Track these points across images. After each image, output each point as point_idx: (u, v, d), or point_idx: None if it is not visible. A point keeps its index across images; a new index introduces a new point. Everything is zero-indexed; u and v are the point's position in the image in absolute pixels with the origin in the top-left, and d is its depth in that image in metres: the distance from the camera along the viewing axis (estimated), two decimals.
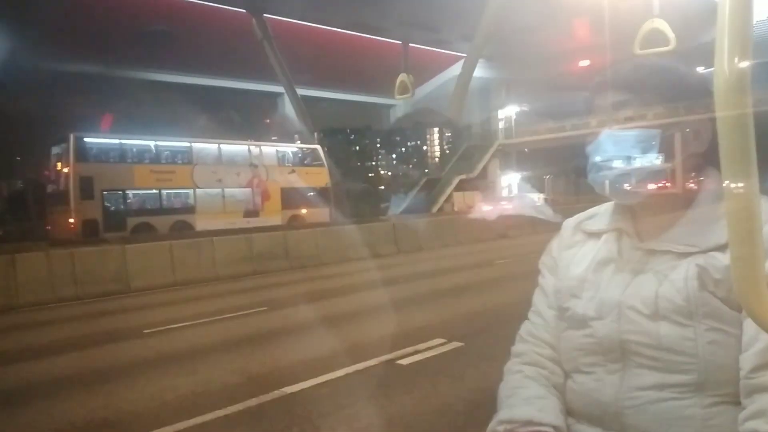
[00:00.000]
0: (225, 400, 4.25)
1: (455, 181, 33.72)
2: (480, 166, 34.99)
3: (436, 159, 43.05)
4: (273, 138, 31.23)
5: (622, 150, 1.01)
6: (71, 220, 19.46)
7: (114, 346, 6.62)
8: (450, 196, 33.23)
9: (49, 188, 21.39)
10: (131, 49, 30.32)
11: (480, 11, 33.68)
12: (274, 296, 9.60)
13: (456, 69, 40.94)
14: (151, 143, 22.51)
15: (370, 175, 43.89)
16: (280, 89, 39.86)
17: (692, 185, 1.04)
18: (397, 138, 47.16)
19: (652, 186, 1.01)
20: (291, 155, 26.85)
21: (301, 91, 39.05)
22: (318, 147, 28.02)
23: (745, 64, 0.66)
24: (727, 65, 0.67)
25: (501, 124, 36.99)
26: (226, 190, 23.46)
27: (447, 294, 8.63)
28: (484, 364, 4.69)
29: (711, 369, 0.95)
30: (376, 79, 42.54)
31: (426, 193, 33.62)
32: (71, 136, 20.08)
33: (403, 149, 47.17)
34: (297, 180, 25.25)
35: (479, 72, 39.10)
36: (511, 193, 36.50)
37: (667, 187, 1.01)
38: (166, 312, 8.72)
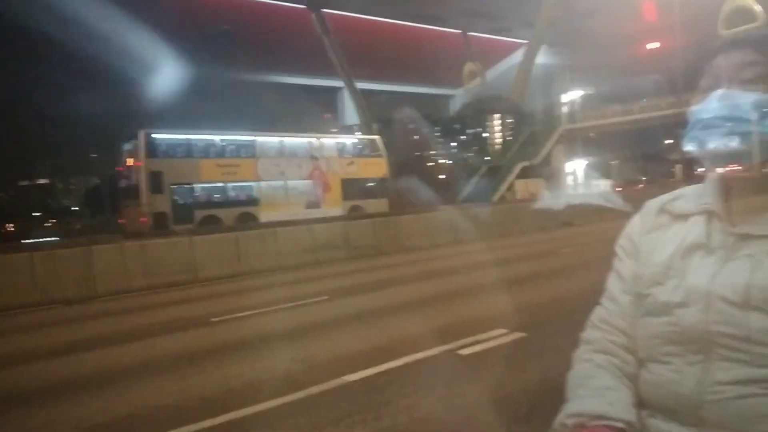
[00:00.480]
0: (288, 387, 4.32)
1: (517, 169, 33.15)
2: (543, 153, 34.28)
3: (498, 146, 42.36)
4: (333, 130, 31.59)
5: (737, 111, 0.93)
6: (142, 213, 20.32)
7: (183, 333, 6.88)
8: (512, 183, 32.70)
9: (122, 183, 22.39)
10: (196, 49, 31.28)
11: None
12: (335, 285, 9.70)
13: (517, 56, 40.15)
14: (217, 138, 23.18)
15: (429, 164, 43.69)
16: (339, 83, 40.19)
17: None
18: (458, 126, 46.60)
19: (758, 160, 0.92)
20: (350, 147, 27.08)
21: (361, 85, 39.25)
22: (377, 138, 28.14)
23: None
24: None
25: (564, 109, 36.10)
26: (289, 182, 23.92)
27: (509, 284, 8.46)
28: (548, 355, 4.57)
29: None
30: (435, 70, 42.20)
31: (487, 181, 33.25)
32: (141, 133, 20.93)
33: (464, 137, 46.56)
34: (356, 171, 25.47)
35: (541, 58, 38.16)
36: (577, 179, 35.63)
37: None
38: (232, 301, 8.98)
